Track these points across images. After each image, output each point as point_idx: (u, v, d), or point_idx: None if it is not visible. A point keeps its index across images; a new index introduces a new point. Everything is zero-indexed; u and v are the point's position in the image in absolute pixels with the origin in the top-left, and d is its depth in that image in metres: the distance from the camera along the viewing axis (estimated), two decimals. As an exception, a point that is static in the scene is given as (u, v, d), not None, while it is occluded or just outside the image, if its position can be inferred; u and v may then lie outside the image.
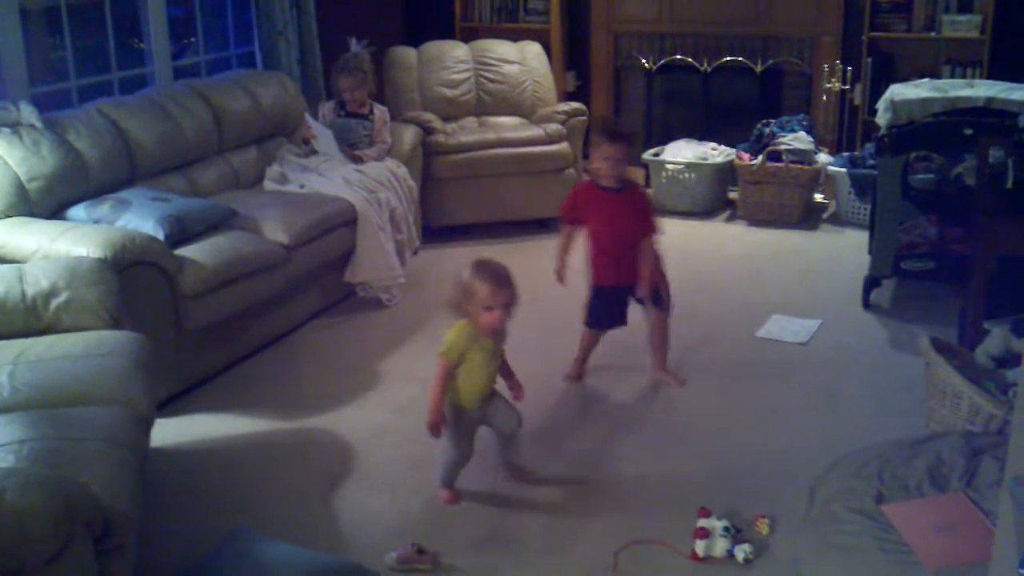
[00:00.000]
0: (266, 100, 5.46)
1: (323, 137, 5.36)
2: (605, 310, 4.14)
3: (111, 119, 4.56)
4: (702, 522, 3.01)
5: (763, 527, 3.07)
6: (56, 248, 3.72)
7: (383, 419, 3.84)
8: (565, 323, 4.68)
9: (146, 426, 3.00)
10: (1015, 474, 2.20)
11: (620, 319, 4.17)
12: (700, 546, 2.96)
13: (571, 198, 4.13)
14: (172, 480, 3.49)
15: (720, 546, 2.96)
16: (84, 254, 3.63)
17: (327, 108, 5.60)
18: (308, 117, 5.54)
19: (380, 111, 5.59)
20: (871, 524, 2.76)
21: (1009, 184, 3.74)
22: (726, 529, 2.98)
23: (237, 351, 4.39)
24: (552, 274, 4.09)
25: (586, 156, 6.97)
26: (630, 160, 4.04)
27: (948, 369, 3.35)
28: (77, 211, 4.17)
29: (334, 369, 4.36)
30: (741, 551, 2.94)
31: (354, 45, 5.63)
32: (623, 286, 4.06)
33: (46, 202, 4.14)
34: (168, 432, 3.78)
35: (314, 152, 5.35)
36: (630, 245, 4.00)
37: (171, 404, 3.98)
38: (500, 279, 3.22)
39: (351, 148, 5.42)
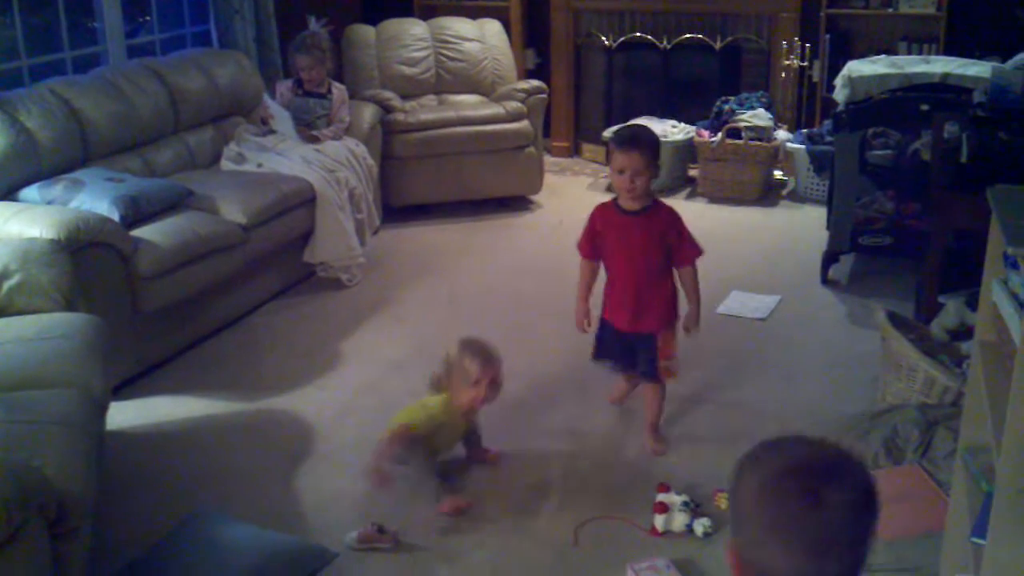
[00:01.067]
0: (222, 79, 5.39)
1: (280, 118, 5.32)
2: (614, 350, 3.53)
3: (63, 98, 4.48)
4: (661, 497, 3.02)
5: (722, 501, 3.09)
6: (8, 230, 3.66)
7: (343, 399, 3.82)
8: (528, 303, 4.68)
9: (101, 409, 2.97)
10: (968, 445, 2.23)
11: (632, 365, 3.53)
12: (659, 521, 2.97)
13: (588, 224, 3.44)
14: (130, 463, 3.46)
15: (679, 521, 2.98)
16: (37, 236, 3.57)
17: (284, 87, 5.55)
18: (266, 98, 5.49)
19: (338, 90, 5.55)
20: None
21: (963, 159, 3.77)
22: (685, 504, 3.00)
23: (195, 332, 4.35)
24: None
25: (547, 134, 7.00)
26: (655, 173, 3.26)
27: (903, 343, 3.38)
28: (30, 192, 4.11)
29: (294, 350, 4.33)
30: (700, 525, 2.96)
31: (312, 24, 5.58)
32: (641, 333, 3.41)
33: (-3, 183, 4.08)
34: (126, 415, 3.75)
35: (272, 132, 5.30)
36: (654, 283, 3.37)
37: (128, 386, 3.94)
38: (489, 355, 3.23)
39: (308, 128, 5.38)
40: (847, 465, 1.32)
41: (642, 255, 3.33)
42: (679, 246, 3.34)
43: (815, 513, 1.27)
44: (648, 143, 3.22)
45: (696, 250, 3.39)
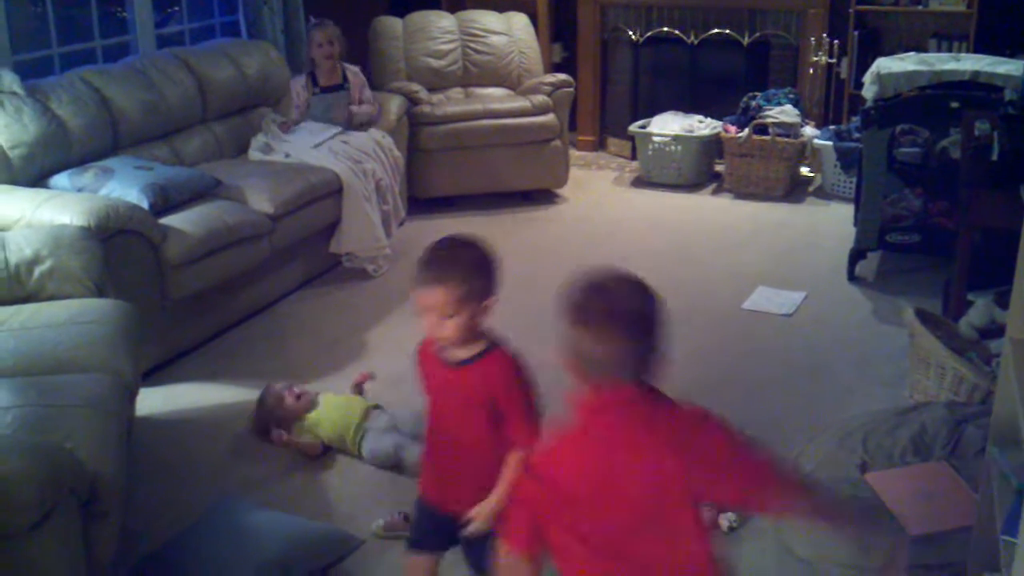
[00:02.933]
0: (250, 69, 5.41)
1: (307, 131, 5.28)
2: (426, 530, 2.45)
3: (94, 87, 4.52)
4: (687, 491, 3.01)
5: (747, 496, 3.09)
6: (39, 216, 3.69)
7: (369, 389, 3.83)
8: (550, 296, 4.69)
9: (131, 393, 3.00)
10: (997, 443, 2.22)
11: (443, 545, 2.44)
12: (685, 514, 2.96)
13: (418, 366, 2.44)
14: (158, 449, 3.49)
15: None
16: (67, 222, 3.61)
17: (299, 85, 5.44)
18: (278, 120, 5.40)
19: (352, 73, 5.50)
20: (855, 492, 2.78)
21: (994, 157, 3.74)
22: (711, 498, 2.99)
23: (222, 321, 4.37)
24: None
25: (573, 128, 7.00)
26: (480, 306, 2.24)
27: (932, 340, 3.37)
28: (60, 179, 4.14)
29: (319, 339, 4.35)
30: (726, 519, 2.96)
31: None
32: (447, 513, 2.33)
33: (28, 170, 4.10)
34: (154, 401, 3.77)
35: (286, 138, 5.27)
36: (470, 454, 2.30)
37: (156, 373, 3.97)
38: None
39: (338, 123, 5.36)
40: (619, 278, 1.88)
41: (455, 422, 2.31)
42: (508, 421, 2.23)
43: (593, 304, 1.79)
44: (459, 269, 2.19)
45: (530, 433, 2.20)
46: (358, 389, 3.67)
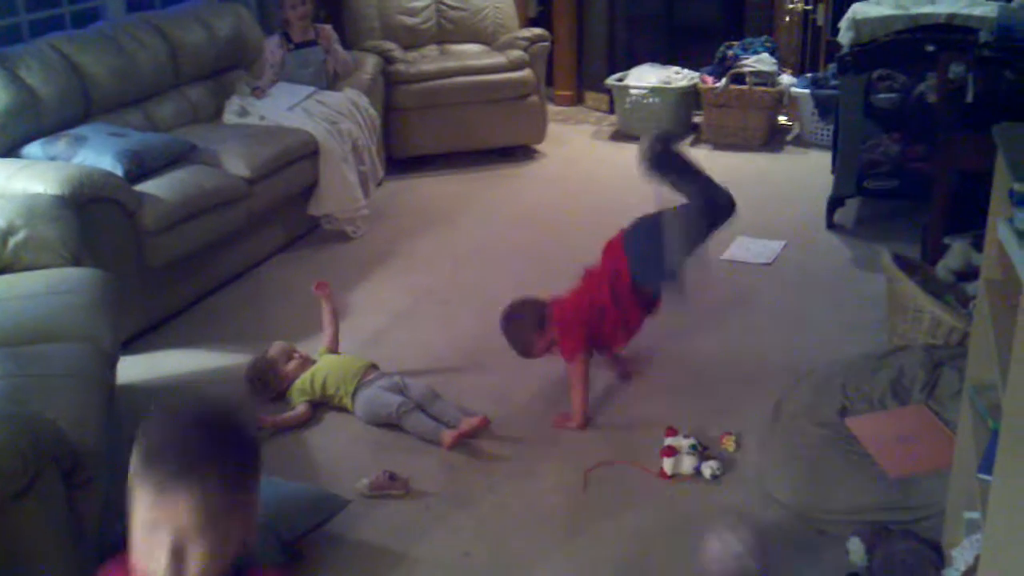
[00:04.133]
0: (222, 32, 5.35)
1: (281, 94, 5.23)
2: None
3: (64, 54, 4.45)
4: (669, 441, 3.04)
5: (729, 444, 3.11)
6: (12, 186, 3.66)
7: (350, 350, 3.83)
8: (531, 253, 4.68)
9: (111, 361, 2.99)
10: (974, 383, 2.24)
11: None
12: (668, 464, 2.99)
13: None
14: (140, 416, 3.48)
15: (687, 464, 3.00)
16: (41, 191, 3.57)
17: (273, 44, 5.40)
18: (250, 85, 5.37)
19: (324, 30, 5.48)
20: (835, 437, 2.81)
21: (969, 99, 3.75)
22: (693, 447, 3.02)
23: (202, 287, 4.36)
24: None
25: (550, 83, 6.96)
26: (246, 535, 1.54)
27: (909, 284, 3.39)
28: (32, 148, 4.10)
29: (300, 303, 4.33)
30: (708, 468, 2.98)
31: None
32: None
33: (0, 140, 4.06)
34: (135, 369, 3.76)
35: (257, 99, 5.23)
36: None
37: (137, 341, 3.96)
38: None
39: (313, 79, 5.32)
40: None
41: None
42: None
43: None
44: (211, 470, 1.42)
45: None
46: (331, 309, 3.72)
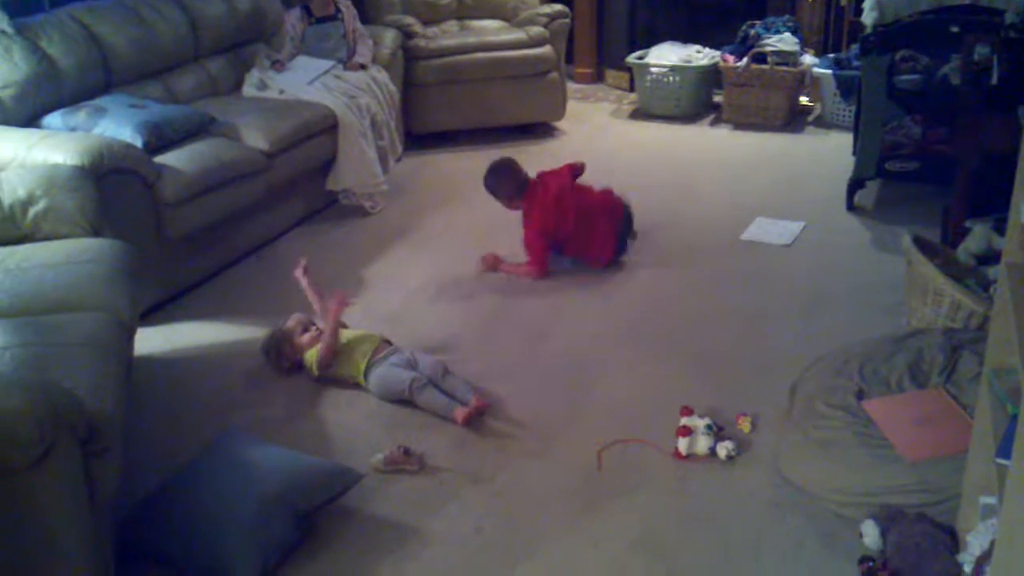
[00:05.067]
0: (243, 4, 5.33)
1: (301, 68, 5.21)
2: None
3: (84, 24, 4.46)
4: (685, 421, 3.03)
5: (745, 425, 3.11)
6: (33, 156, 3.66)
7: (367, 326, 3.83)
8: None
9: (129, 332, 3.00)
10: (994, 367, 2.22)
11: None
12: (683, 444, 2.99)
13: None
14: (159, 387, 3.51)
15: (702, 444, 3.00)
16: (61, 162, 3.58)
17: (293, 18, 5.39)
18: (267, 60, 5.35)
19: (345, 5, 5.44)
20: (852, 419, 2.80)
21: (994, 80, 3.71)
22: (708, 427, 3.01)
23: (220, 259, 4.37)
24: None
25: (570, 60, 6.93)
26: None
27: (930, 267, 3.36)
28: (53, 119, 4.10)
29: (317, 277, 4.31)
30: (723, 448, 2.98)
31: None
32: None
33: (20, 110, 4.07)
34: (153, 340, 3.79)
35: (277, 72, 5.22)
36: None
37: (155, 312, 3.98)
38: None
39: (332, 53, 5.31)
40: None
41: None
42: None
43: None
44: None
45: None
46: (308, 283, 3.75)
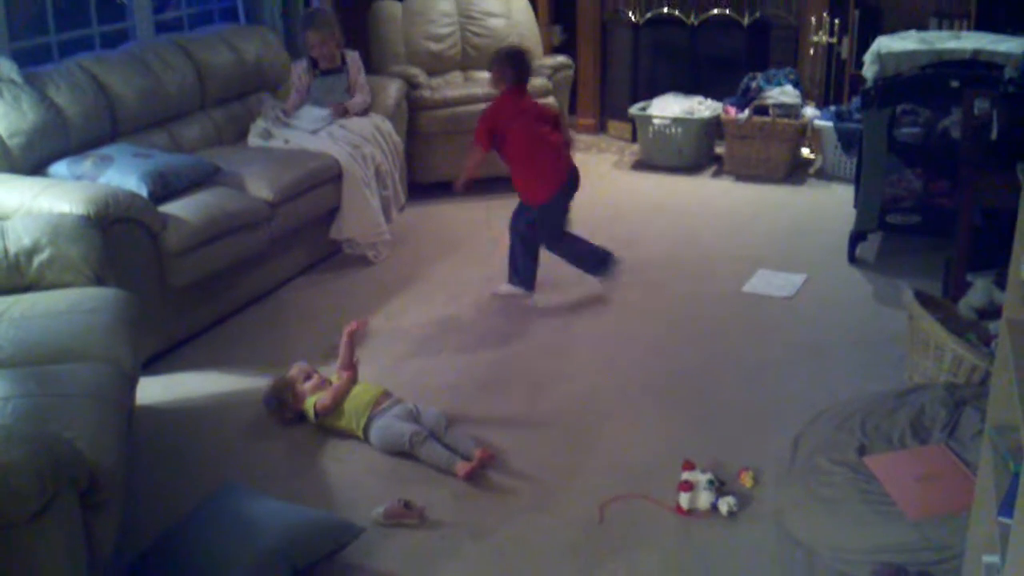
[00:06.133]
0: (249, 55, 5.40)
1: (306, 117, 5.26)
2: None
3: (92, 74, 4.51)
4: (686, 475, 3.02)
5: (747, 480, 3.09)
6: (38, 204, 3.69)
7: (369, 375, 3.83)
8: (548, 280, 4.68)
9: (131, 382, 3.00)
10: (995, 424, 2.21)
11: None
12: (684, 499, 2.98)
13: None
14: (159, 437, 3.50)
15: (704, 499, 2.98)
16: (67, 211, 3.60)
17: (300, 69, 5.41)
18: (281, 101, 5.39)
19: (351, 58, 5.47)
20: (854, 475, 2.78)
21: (993, 136, 3.73)
22: (710, 482, 3.00)
23: (223, 308, 4.38)
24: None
25: (573, 111, 6.98)
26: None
27: (931, 321, 3.36)
28: (59, 167, 4.14)
29: (320, 326, 4.35)
30: (725, 504, 2.96)
31: (315, 1, 5.50)
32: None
33: (27, 158, 4.10)
34: (154, 390, 3.78)
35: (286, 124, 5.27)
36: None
37: (157, 362, 3.98)
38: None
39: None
40: None
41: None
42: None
43: None
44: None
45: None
46: (350, 343, 3.64)
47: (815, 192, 6.06)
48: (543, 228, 4.46)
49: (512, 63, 4.43)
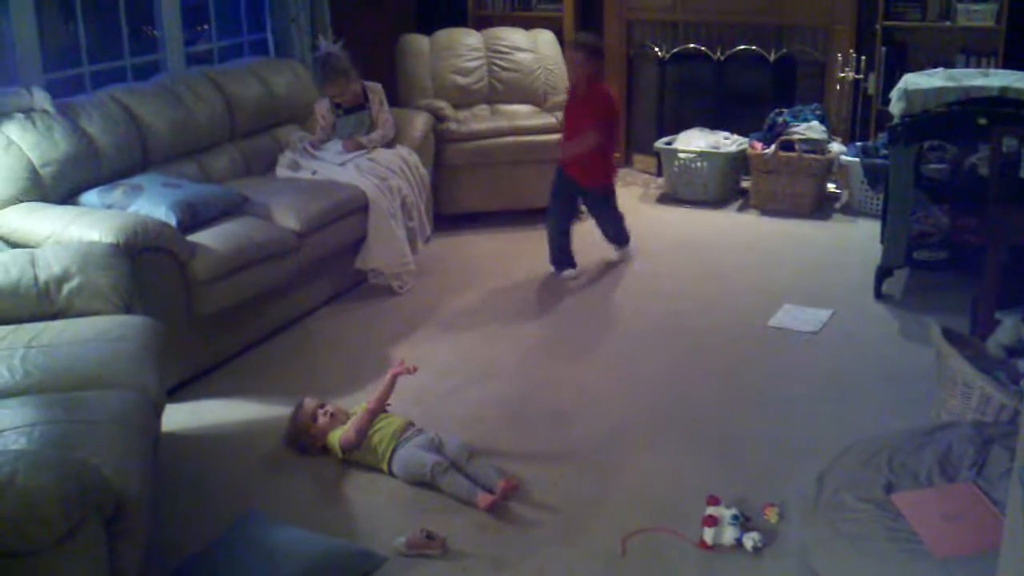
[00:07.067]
0: (278, 87, 5.46)
1: (332, 149, 5.30)
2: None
3: (124, 105, 4.57)
4: (711, 510, 3.01)
5: (772, 516, 3.07)
6: (69, 233, 3.74)
7: (393, 406, 3.84)
8: (574, 313, 4.68)
9: (157, 410, 3.02)
10: (1024, 463, 2.19)
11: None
12: (709, 534, 2.96)
13: None
14: (184, 465, 3.51)
15: (729, 534, 2.96)
16: (96, 239, 3.65)
17: (323, 108, 5.42)
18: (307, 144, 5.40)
19: (373, 92, 5.48)
20: (880, 513, 2.76)
21: (1022, 173, 3.72)
22: (735, 517, 2.98)
23: (249, 337, 4.40)
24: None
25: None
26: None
27: (959, 359, 3.34)
28: (90, 196, 4.19)
29: (345, 356, 4.37)
30: (750, 539, 2.94)
31: (323, 45, 5.51)
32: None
33: (59, 187, 4.16)
34: (180, 417, 3.80)
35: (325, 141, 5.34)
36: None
37: (183, 389, 4.00)
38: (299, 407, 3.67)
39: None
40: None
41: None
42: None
43: None
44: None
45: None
46: (392, 383, 3.59)
47: (841, 227, 6.04)
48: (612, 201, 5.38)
49: (600, 58, 5.15)
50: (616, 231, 5.44)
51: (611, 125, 5.19)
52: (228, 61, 5.65)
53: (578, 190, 5.27)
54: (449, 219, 6.01)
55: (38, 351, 3.06)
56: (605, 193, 5.30)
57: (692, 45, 6.88)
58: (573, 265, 5.29)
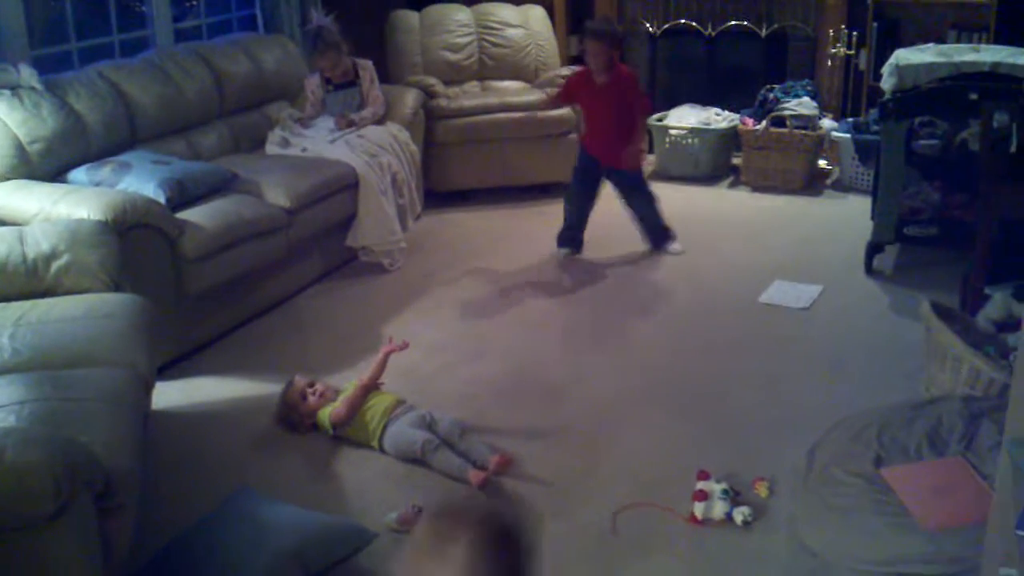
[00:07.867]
0: (267, 63, 5.43)
1: (322, 126, 5.28)
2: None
3: (112, 81, 4.54)
4: (701, 485, 3.02)
5: (762, 490, 3.08)
6: (57, 211, 3.72)
7: (384, 382, 3.84)
8: (564, 290, 4.68)
9: (147, 387, 3.02)
10: (1013, 437, 2.20)
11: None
12: (699, 508, 2.97)
13: None
14: (175, 442, 3.51)
15: (719, 509, 2.97)
16: (85, 217, 3.63)
17: (313, 84, 5.42)
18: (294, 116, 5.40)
19: (363, 69, 5.46)
20: (869, 487, 2.77)
21: (1013, 149, 3.72)
22: (725, 492, 2.99)
23: (239, 315, 4.39)
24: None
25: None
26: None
27: (949, 334, 3.35)
28: (78, 174, 4.16)
29: (336, 333, 4.37)
30: (740, 514, 2.95)
31: (316, 17, 5.49)
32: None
33: (47, 165, 4.13)
34: (171, 395, 3.80)
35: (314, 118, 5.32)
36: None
37: (173, 367, 3.99)
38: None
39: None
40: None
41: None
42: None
43: None
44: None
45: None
46: (384, 360, 3.60)
47: (832, 203, 6.04)
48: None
49: (616, 40, 4.99)
50: (652, 217, 5.24)
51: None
52: (217, 37, 5.60)
53: (605, 172, 5.14)
54: (440, 196, 5.99)
55: (27, 329, 3.05)
56: (636, 174, 5.20)
57: (683, 21, 6.86)
58: (579, 248, 5.24)
